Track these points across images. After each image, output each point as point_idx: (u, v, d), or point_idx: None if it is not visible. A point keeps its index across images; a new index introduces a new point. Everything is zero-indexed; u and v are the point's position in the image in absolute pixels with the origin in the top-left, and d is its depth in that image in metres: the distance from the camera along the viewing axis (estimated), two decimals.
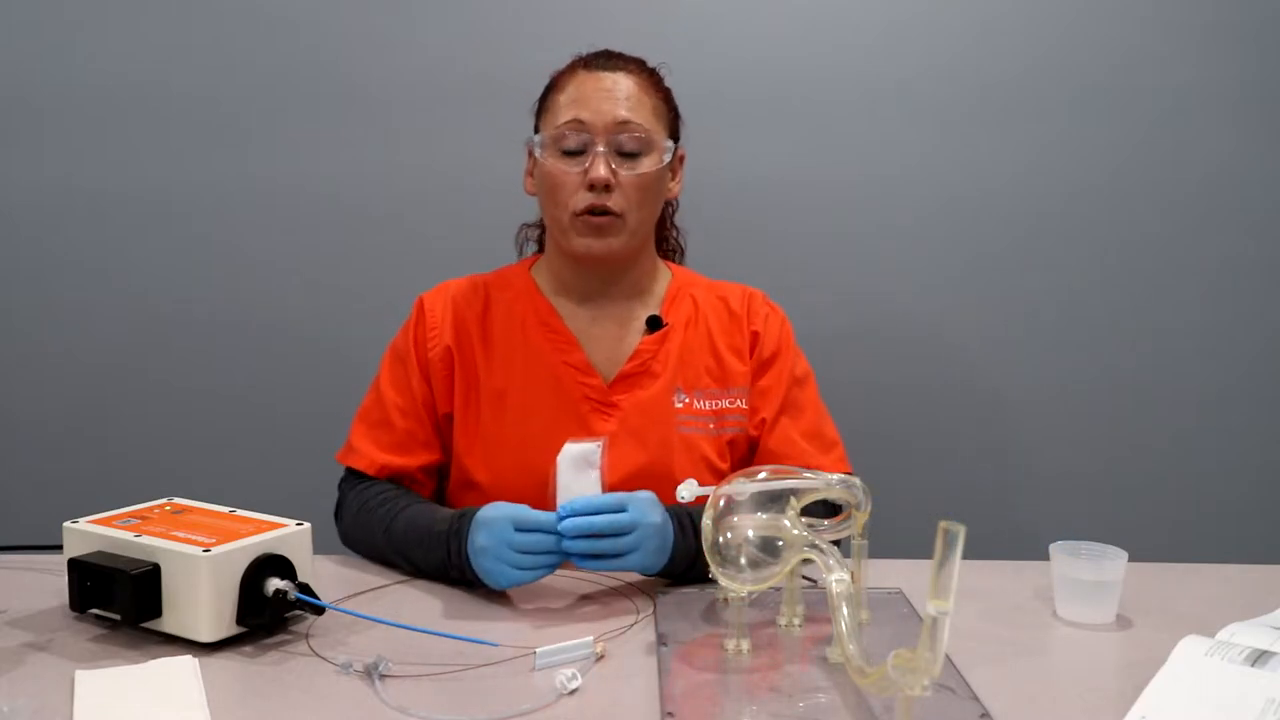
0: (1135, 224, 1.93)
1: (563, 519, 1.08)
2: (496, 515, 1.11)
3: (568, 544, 1.09)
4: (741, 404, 1.36)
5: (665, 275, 1.43)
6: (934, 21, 1.89)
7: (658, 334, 1.36)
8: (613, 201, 1.27)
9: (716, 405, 1.35)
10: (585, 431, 1.30)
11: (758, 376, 1.37)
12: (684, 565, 1.17)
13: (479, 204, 1.94)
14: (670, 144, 1.32)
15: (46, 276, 1.98)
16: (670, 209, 1.49)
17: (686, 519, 1.17)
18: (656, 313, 1.37)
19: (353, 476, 1.35)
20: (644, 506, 1.11)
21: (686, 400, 1.34)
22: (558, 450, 1.26)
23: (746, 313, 1.39)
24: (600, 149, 1.27)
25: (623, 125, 1.27)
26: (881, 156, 1.92)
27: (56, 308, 1.98)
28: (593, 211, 1.28)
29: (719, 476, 1.31)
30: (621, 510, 1.10)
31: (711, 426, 1.34)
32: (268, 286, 1.98)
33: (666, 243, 1.51)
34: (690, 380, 1.35)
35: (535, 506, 1.21)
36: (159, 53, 1.93)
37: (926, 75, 1.90)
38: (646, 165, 1.29)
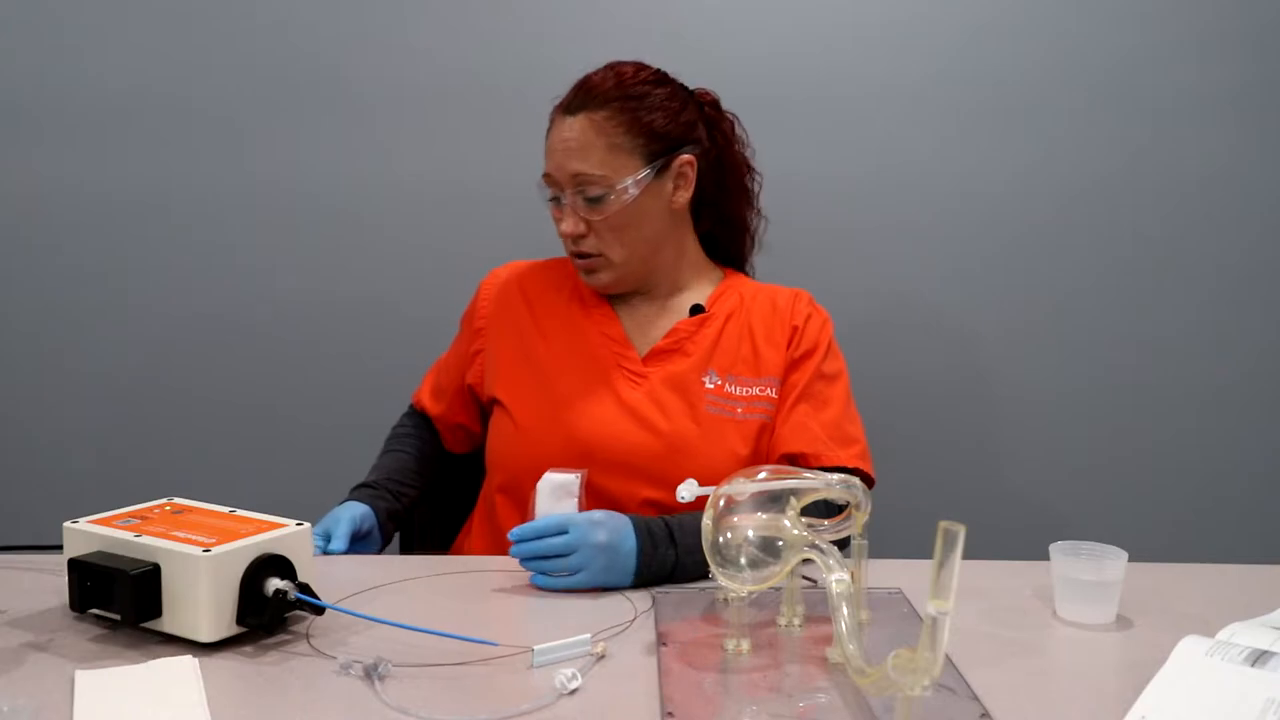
0: (1135, 224, 1.93)
1: (514, 544, 1.15)
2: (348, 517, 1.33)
3: (523, 564, 1.16)
4: (772, 393, 1.39)
5: (716, 276, 1.48)
6: (934, 22, 1.89)
7: (696, 318, 1.42)
8: (588, 245, 1.36)
9: (749, 391, 1.38)
10: (614, 396, 1.37)
11: (790, 370, 1.40)
12: (661, 575, 1.18)
13: (479, 206, 1.94)
14: (645, 172, 1.33)
15: (46, 277, 1.98)
16: (754, 223, 1.50)
17: (661, 531, 1.18)
18: (701, 303, 1.43)
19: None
20: (585, 529, 1.14)
21: (718, 382, 1.37)
22: (588, 409, 1.37)
23: (791, 309, 1.44)
24: (567, 202, 1.35)
25: (575, 177, 1.33)
26: (884, 156, 1.92)
27: (56, 308, 1.98)
28: (578, 255, 1.38)
29: (738, 460, 1.35)
30: (562, 533, 1.14)
31: (740, 411, 1.37)
32: (268, 287, 1.98)
33: (718, 249, 1.51)
34: (724, 365, 1.39)
35: (559, 453, 1.34)
36: (159, 54, 1.93)
37: (926, 76, 1.90)
38: (611, 206, 1.33)
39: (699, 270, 1.46)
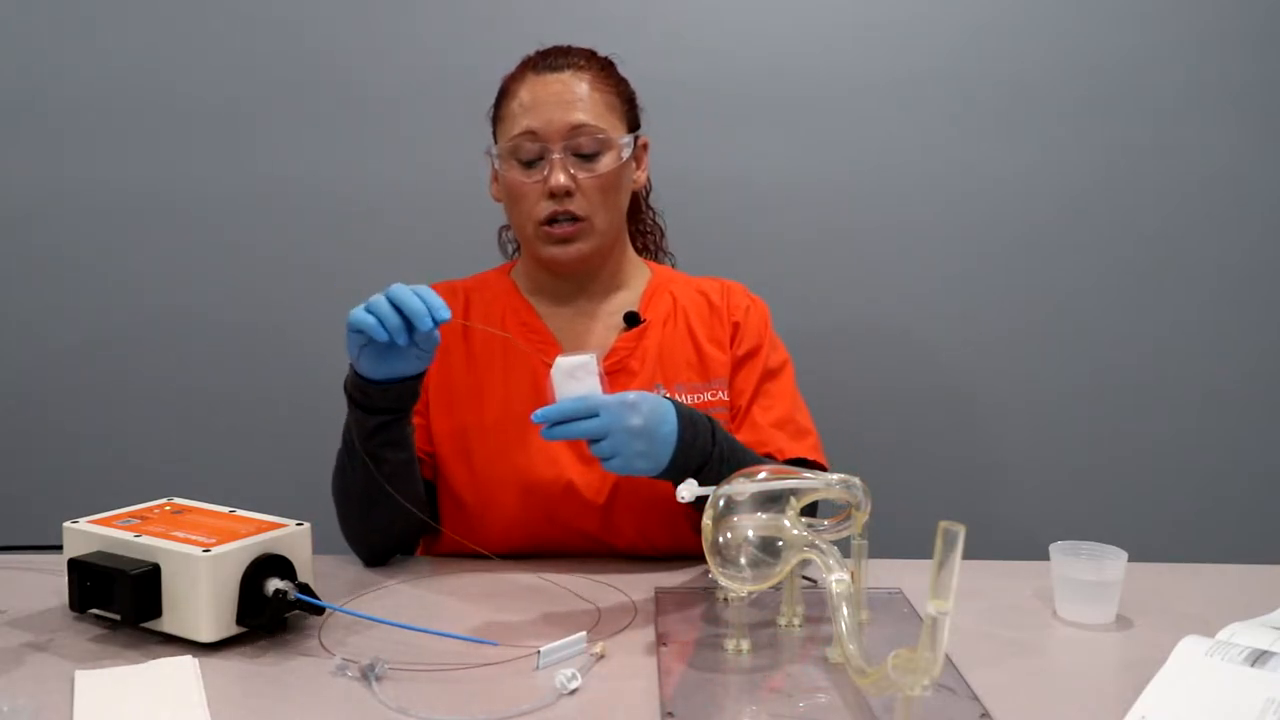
0: (1135, 224, 1.93)
1: (539, 427, 1.06)
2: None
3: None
4: (723, 395, 1.35)
5: (645, 273, 1.43)
6: (934, 21, 1.89)
7: (635, 330, 1.36)
8: (575, 206, 1.27)
9: (699, 399, 1.33)
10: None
11: (736, 370, 1.36)
12: (693, 466, 1.11)
13: (481, 205, 1.93)
14: (629, 138, 1.31)
15: (46, 276, 1.98)
16: (644, 193, 1.49)
17: (704, 422, 1.13)
18: (635, 309, 1.37)
19: None
20: (618, 412, 1.05)
21: (667, 395, 1.32)
22: (536, 448, 1.28)
23: (727, 305, 1.39)
24: (556, 155, 1.26)
25: (577, 129, 1.26)
26: (883, 156, 1.92)
27: (56, 307, 1.98)
28: (556, 219, 1.27)
29: None
30: (593, 416, 1.05)
31: None
32: (268, 286, 1.98)
33: (643, 226, 1.49)
34: (670, 375, 1.34)
35: (519, 508, 1.27)
36: (159, 52, 1.93)
37: (926, 76, 1.90)
38: (605, 165, 1.28)
39: (634, 264, 1.41)
